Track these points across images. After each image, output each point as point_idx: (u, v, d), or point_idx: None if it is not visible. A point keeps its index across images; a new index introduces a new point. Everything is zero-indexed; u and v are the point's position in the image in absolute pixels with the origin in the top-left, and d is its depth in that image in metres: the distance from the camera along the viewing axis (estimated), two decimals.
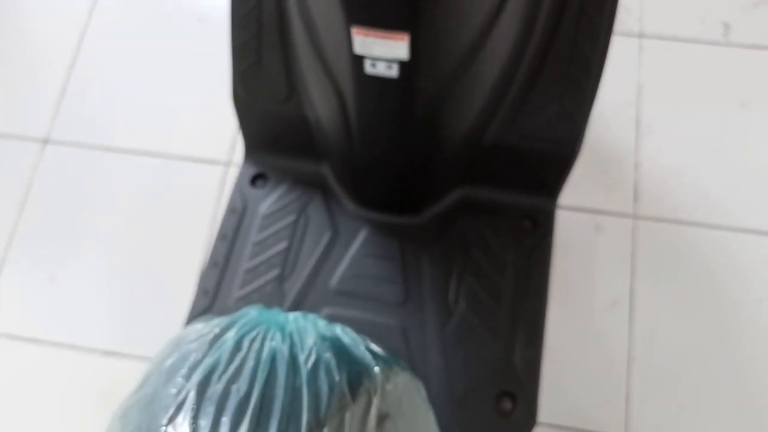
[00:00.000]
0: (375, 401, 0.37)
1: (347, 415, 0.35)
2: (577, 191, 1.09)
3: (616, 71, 1.15)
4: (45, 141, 1.21)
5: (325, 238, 0.77)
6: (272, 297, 0.74)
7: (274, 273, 0.75)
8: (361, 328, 0.55)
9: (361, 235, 0.78)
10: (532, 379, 0.70)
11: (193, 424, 0.32)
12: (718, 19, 1.18)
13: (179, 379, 0.35)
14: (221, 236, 0.78)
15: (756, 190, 1.07)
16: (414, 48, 0.54)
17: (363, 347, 0.40)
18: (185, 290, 1.04)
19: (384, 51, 0.55)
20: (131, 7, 1.31)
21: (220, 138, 1.18)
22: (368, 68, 0.58)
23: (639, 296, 1.03)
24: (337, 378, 0.36)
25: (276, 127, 0.81)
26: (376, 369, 0.38)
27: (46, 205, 1.16)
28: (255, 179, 0.83)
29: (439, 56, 0.57)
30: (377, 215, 0.78)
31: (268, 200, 0.81)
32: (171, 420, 0.33)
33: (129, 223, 1.13)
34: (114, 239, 1.12)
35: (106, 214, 1.14)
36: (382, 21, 0.52)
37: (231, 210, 0.80)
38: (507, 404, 0.69)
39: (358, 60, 0.58)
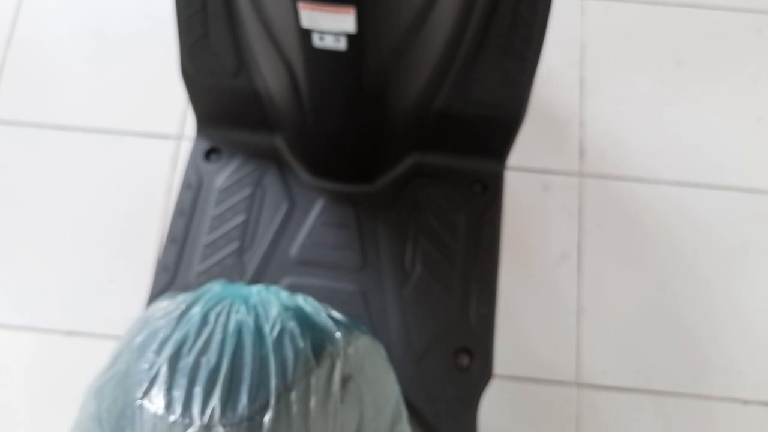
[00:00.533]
0: (338, 364, 0.39)
1: (313, 379, 0.37)
2: (525, 152, 1.13)
3: (559, 33, 1.18)
4: None
5: (283, 209, 0.78)
6: (233, 270, 0.75)
7: (233, 246, 0.76)
8: (322, 295, 0.57)
9: (318, 205, 0.79)
10: (487, 335, 0.74)
11: (167, 395, 0.34)
12: None
13: (150, 355, 0.37)
14: (178, 212, 0.78)
15: (692, 145, 1.13)
16: (360, 20, 0.55)
17: (324, 315, 0.42)
18: (144, 267, 1.05)
19: (331, 24, 0.56)
20: None
21: (169, 112, 1.16)
22: (316, 41, 0.59)
23: (586, 249, 1.08)
24: (301, 345, 0.38)
25: (227, 101, 0.80)
26: (338, 334, 0.40)
27: None
28: (209, 153, 0.82)
29: (385, 28, 0.58)
30: (332, 185, 0.80)
31: (223, 174, 0.81)
32: (146, 393, 0.34)
33: (83, 202, 1.11)
34: (68, 219, 1.10)
35: (58, 194, 1.12)
36: None
37: (186, 185, 0.80)
38: (464, 359, 0.73)
39: (305, 34, 0.58)
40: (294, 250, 0.77)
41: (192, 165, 0.82)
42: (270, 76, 0.74)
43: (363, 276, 0.76)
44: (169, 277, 0.75)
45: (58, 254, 1.09)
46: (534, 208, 1.11)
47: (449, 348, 0.73)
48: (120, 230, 1.09)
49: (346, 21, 0.55)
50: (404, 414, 0.46)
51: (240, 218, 0.78)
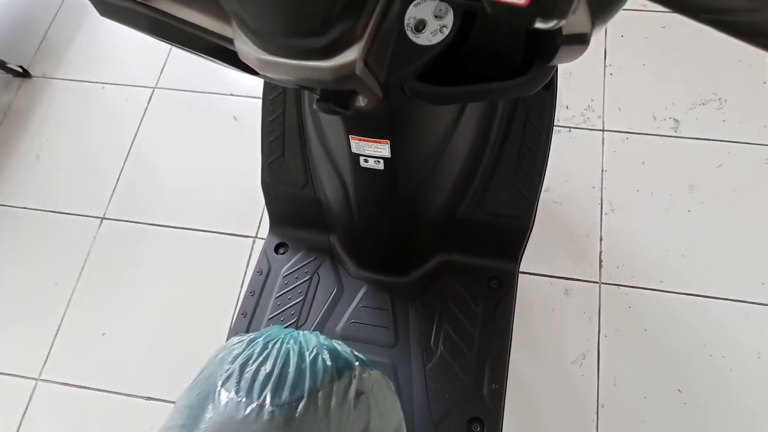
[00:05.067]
0: (354, 381, 0.55)
1: (335, 387, 0.53)
2: (550, 260, 1.28)
3: (583, 159, 1.38)
4: (102, 218, 1.44)
5: (332, 293, 0.96)
6: None
7: (291, 321, 0.94)
8: None
9: (361, 291, 0.97)
10: (497, 408, 0.86)
11: (237, 386, 0.50)
12: (669, 115, 1.40)
13: (227, 364, 0.54)
14: (250, 291, 0.98)
15: (702, 261, 1.24)
16: (393, 149, 0.75)
17: (349, 352, 0.58)
18: (220, 341, 1.23)
19: (372, 151, 0.77)
20: (177, 108, 1.57)
21: (248, 217, 1.40)
22: (362, 163, 0.79)
23: (604, 351, 1.19)
24: (329, 364, 0.54)
25: (295, 206, 1.02)
26: (356, 364, 0.56)
27: (100, 271, 1.38)
28: (278, 247, 1.03)
29: (412, 155, 0.78)
30: (374, 275, 0.98)
31: (288, 263, 1.01)
32: (223, 384, 0.51)
33: (171, 287, 1.34)
34: (158, 300, 1.33)
35: (152, 279, 1.35)
36: (370, 132, 0.74)
37: (258, 271, 1.00)
38: (476, 427, 0.85)
39: (355, 157, 0.79)
40: (339, 326, 0.94)
41: (264, 255, 1.02)
42: (328, 189, 0.95)
43: (394, 351, 0.92)
44: None
45: (148, 329, 1.30)
46: (557, 311, 1.23)
47: (464, 417, 0.86)
48: (200, 311, 1.30)
49: (383, 149, 0.76)
50: (404, 426, 0.59)
51: (298, 299, 0.97)
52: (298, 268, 1.00)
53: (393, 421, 0.57)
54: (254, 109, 1.52)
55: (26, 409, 1.25)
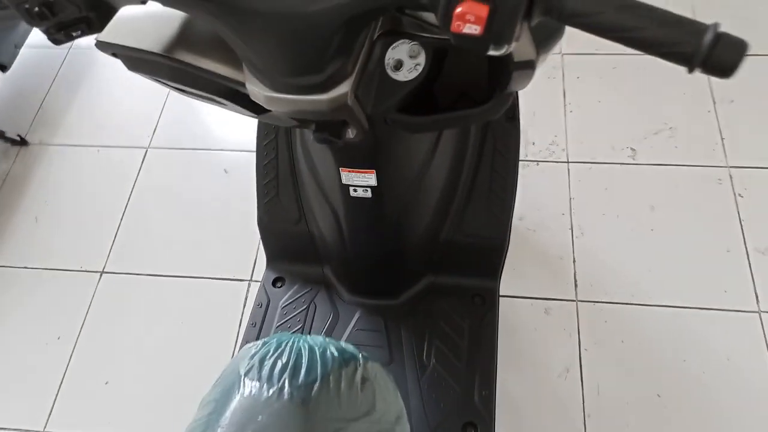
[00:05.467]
0: (359, 370, 0.62)
1: (343, 373, 0.60)
2: (528, 284, 1.37)
3: (552, 189, 1.49)
4: (101, 272, 1.50)
5: (329, 320, 1.04)
6: None
7: None
8: None
9: (356, 316, 1.04)
10: (488, 412, 0.93)
11: (258, 374, 0.57)
12: (626, 145, 1.53)
13: (247, 360, 0.61)
14: (251, 323, 1.05)
15: (668, 275, 1.34)
16: (379, 178, 0.85)
17: (353, 347, 0.65)
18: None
19: (360, 181, 0.86)
20: (170, 165, 1.66)
21: (242, 262, 1.47)
22: (352, 193, 0.89)
23: (586, 363, 1.27)
24: (336, 355, 0.61)
25: (290, 242, 1.10)
26: (360, 355, 0.64)
27: (101, 323, 1.43)
28: (275, 281, 1.11)
29: (395, 183, 0.88)
30: (367, 300, 1.06)
31: (286, 296, 1.08)
32: (245, 375, 0.58)
33: (172, 331, 1.39)
34: (160, 345, 1.38)
35: (152, 326, 1.41)
36: (358, 164, 0.83)
37: (258, 304, 1.07)
38: (471, 431, 0.92)
39: (345, 188, 0.89)
40: None
41: (262, 289, 1.10)
42: (321, 221, 1.04)
43: (390, 368, 0.99)
44: None
45: (150, 376, 1.34)
46: (538, 330, 1.31)
47: (459, 422, 0.93)
48: (199, 356, 1.35)
49: (370, 179, 0.85)
50: (405, 419, 0.66)
51: (297, 327, 1.04)
52: (295, 299, 1.08)
53: (395, 408, 0.64)
54: (243, 162, 1.63)
55: None
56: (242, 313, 1.39)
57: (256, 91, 0.60)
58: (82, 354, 1.39)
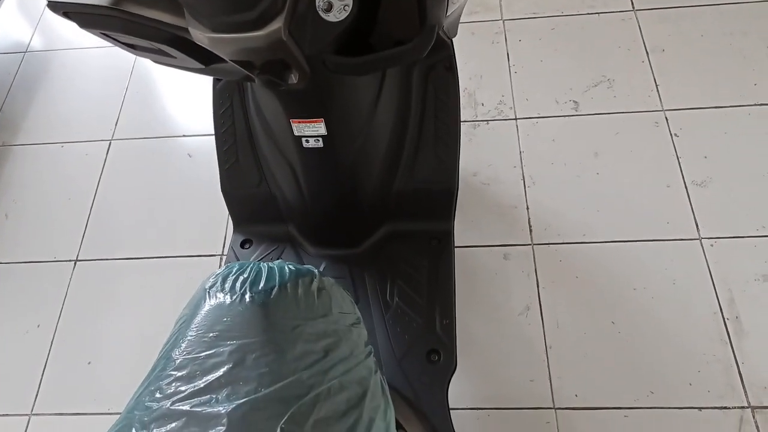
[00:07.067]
0: (315, 281, 0.67)
1: (300, 281, 0.65)
2: (487, 233, 1.45)
3: (503, 145, 1.57)
4: (75, 261, 1.54)
5: None
6: None
7: None
8: None
9: (321, 267, 1.11)
10: (449, 339, 1.00)
11: (222, 286, 0.63)
12: (569, 98, 1.62)
13: (210, 279, 0.67)
14: None
15: (614, 213, 1.43)
16: (328, 126, 0.91)
17: (313, 268, 0.72)
18: None
19: (311, 131, 0.93)
20: (134, 154, 1.70)
21: (212, 238, 1.52)
22: (305, 144, 0.95)
23: (545, 301, 1.35)
24: (293, 269, 0.68)
25: (253, 205, 1.16)
26: (316, 272, 0.70)
27: (79, 308, 1.47)
28: (243, 243, 1.16)
29: (344, 129, 0.94)
30: (331, 251, 1.12)
31: (254, 255, 1.14)
32: (209, 289, 0.64)
33: (149, 312, 1.44)
34: (138, 326, 1.42)
35: (129, 306, 1.45)
36: (307, 114, 0.90)
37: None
38: (434, 357, 0.98)
39: (298, 140, 0.95)
40: None
41: (231, 252, 1.16)
42: (281, 180, 1.10)
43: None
44: None
45: (130, 355, 1.39)
46: (499, 274, 1.39)
47: (423, 350, 1.00)
48: None
49: (319, 128, 0.92)
50: (362, 325, 0.72)
51: None
52: (263, 257, 1.14)
53: (352, 316, 0.70)
54: (206, 146, 1.68)
55: None
56: None
57: (198, 33, 0.66)
58: (63, 338, 1.43)
